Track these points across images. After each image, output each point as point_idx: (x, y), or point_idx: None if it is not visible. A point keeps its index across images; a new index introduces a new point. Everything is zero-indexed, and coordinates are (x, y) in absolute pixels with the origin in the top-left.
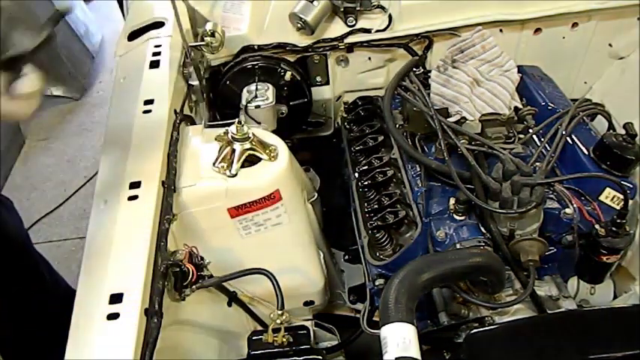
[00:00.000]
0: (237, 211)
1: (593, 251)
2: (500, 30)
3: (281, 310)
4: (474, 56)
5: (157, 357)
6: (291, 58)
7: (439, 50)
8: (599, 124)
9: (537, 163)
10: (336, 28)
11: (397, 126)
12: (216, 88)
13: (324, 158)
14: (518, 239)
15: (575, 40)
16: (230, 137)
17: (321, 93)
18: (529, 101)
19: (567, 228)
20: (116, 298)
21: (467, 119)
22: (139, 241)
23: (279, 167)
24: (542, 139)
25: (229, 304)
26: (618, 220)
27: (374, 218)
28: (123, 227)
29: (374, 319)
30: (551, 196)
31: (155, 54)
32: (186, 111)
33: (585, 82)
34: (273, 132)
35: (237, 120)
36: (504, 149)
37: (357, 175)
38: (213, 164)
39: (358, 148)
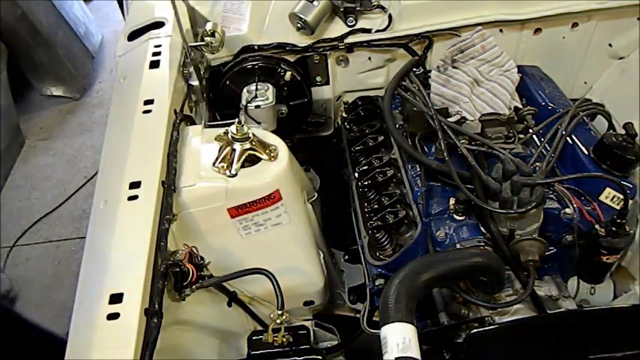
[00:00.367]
0: (237, 211)
1: (593, 251)
2: (500, 30)
3: (281, 310)
4: (474, 56)
5: (157, 357)
6: (291, 58)
7: (439, 50)
8: (599, 124)
9: (537, 163)
10: (336, 28)
11: (397, 126)
12: (216, 88)
13: (324, 158)
14: (518, 239)
15: (575, 40)
16: (230, 137)
17: (321, 93)
18: (529, 101)
19: (567, 228)
20: (116, 298)
21: (467, 119)
22: (139, 241)
23: (279, 167)
24: (542, 139)
25: (229, 304)
26: (618, 220)
27: (374, 218)
28: (123, 227)
29: (374, 319)
30: (551, 196)
31: (155, 54)
32: (186, 111)
33: (585, 82)
34: (273, 132)
35: (237, 120)
36: (504, 149)
37: (357, 175)
38: (213, 164)
39: (358, 148)
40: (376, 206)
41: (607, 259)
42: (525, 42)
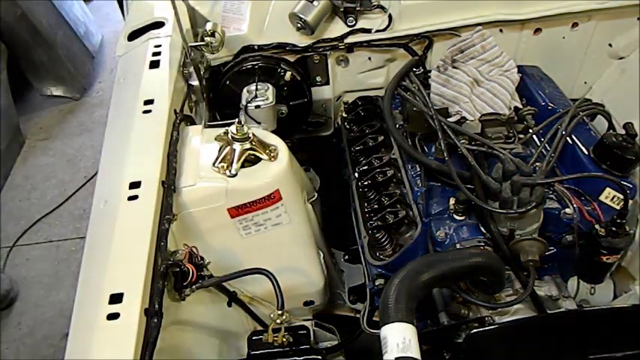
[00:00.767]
0: (237, 211)
1: (593, 251)
2: (501, 30)
3: (281, 310)
4: (474, 56)
5: (157, 357)
6: (291, 58)
7: (439, 50)
8: (599, 124)
9: (537, 163)
10: (336, 28)
11: (397, 126)
12: (216, 88)
13: (324, 158)
14: (518, 239)
15: (575, 40)
16: (230, 137)
17: (321, 93)
18: (529, 101)
19: (567, 228)
20: (116, 298)
21: (467, 119)
22: (138, 241)
23: (279, 167)
24: (542, 139)
25: (229, 304)
26: (618, 220)
27: (374, 218)
28: (123, 227)
29: (374, 319)
30: (551, 196)
31: (155, 54)
32: (186, 111)
33: (585, 82)
34: (273, 132)
35: (237, 120)
36: (504, 149)
37: (357, 175)
38: (213, 164)
39: (358, 148)
40: (376, 206)
41: (607, 259)
42: (525, 42)
